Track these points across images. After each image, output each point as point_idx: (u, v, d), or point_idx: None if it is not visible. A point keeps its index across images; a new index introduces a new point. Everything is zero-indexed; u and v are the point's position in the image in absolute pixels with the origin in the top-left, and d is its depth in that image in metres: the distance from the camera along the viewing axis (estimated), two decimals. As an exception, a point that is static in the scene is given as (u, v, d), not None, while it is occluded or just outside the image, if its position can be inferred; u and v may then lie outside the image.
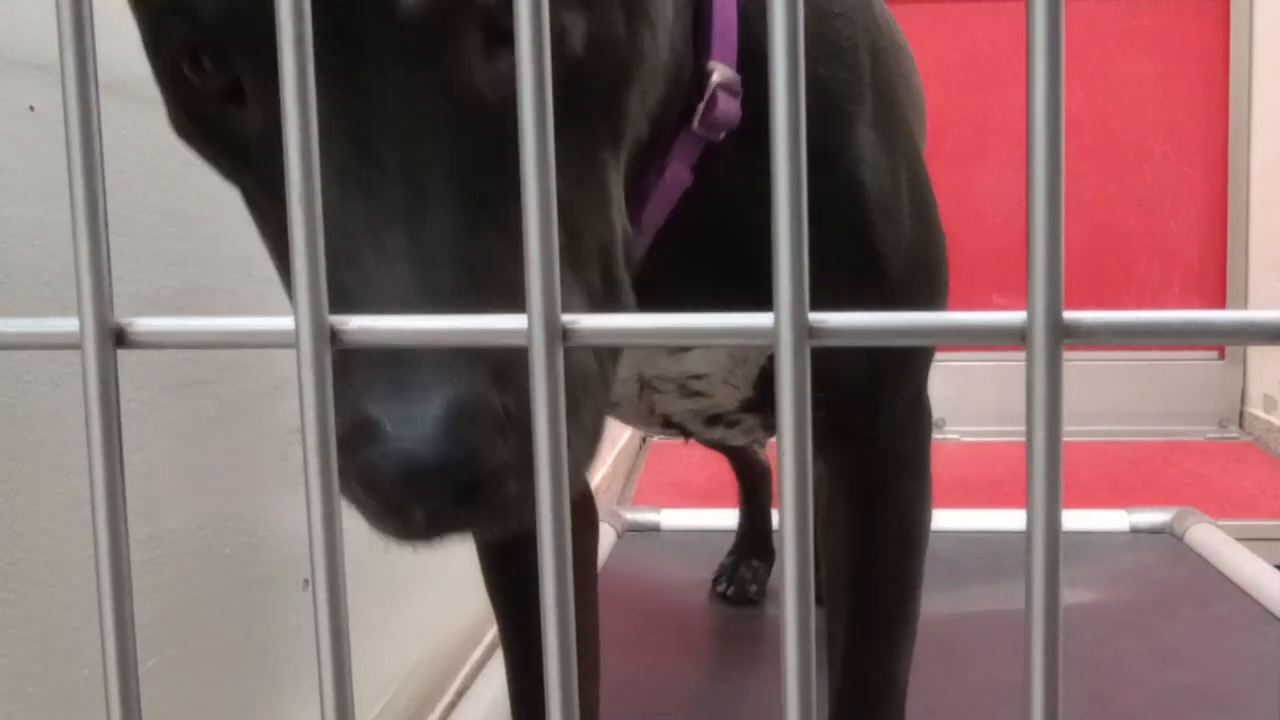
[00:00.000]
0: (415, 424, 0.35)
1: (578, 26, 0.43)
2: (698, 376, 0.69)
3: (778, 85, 0.22)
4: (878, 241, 0.65)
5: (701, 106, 0.57)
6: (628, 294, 0.48)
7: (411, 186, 0.39)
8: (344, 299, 0.37)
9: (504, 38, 0.41)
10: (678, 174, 0.58)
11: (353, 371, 0.36)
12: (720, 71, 0.57)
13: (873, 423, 0.72)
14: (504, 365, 0.36)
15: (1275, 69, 2.78)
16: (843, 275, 0.63)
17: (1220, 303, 2.96)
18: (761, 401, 0.71)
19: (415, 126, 0.39)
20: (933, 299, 0.70)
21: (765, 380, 0.68)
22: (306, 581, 0.97)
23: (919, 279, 0.68)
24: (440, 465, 0.34)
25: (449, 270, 0.38)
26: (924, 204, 0.69)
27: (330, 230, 0.37)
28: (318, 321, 0.25)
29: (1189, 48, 2.95)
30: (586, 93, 0.44)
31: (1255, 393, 2.88)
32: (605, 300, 0.46)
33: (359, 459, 0.35)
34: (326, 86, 0.38)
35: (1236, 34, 2.91)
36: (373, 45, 0.39)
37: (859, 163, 0.64)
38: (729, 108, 0.58)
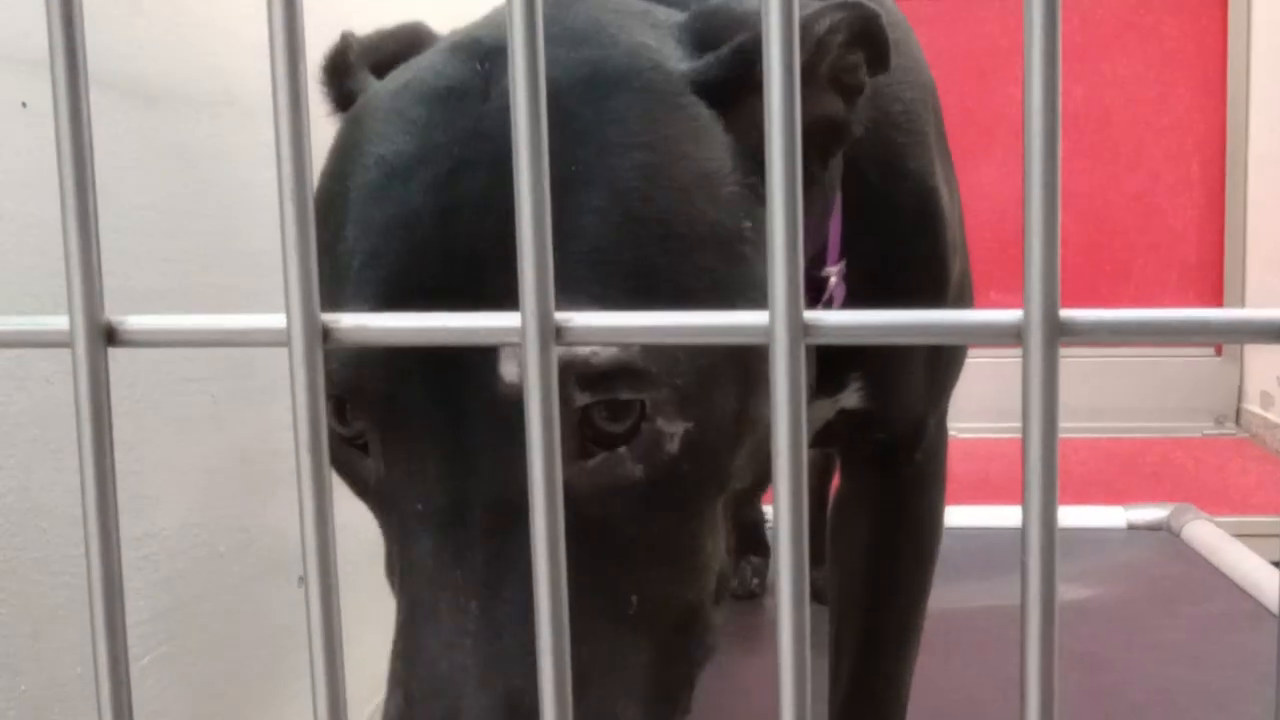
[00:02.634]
0: None
1: (675, 431, 0.44)
2: None
3: (773, 85, 0.22)
4: (945, 264, 0.70)
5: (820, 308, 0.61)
6: (713, 635, 0.51)
7: (494, 555, 0.42)
8: (411, 644, 0.43)
9: (599, 439, 0.43)
10: None
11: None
12: (832, 272, 0.62)
13: (913, 448, 0.76)
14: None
15: (1273, 66, 2.78)
16: (912, 294, 0.68)
17: (1218, 299, 2.96)
18: (818, 438, 0.74)
19: (506, 501, 0.43)
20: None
21: (826, 426, 0.71)
22: (300, 579, 0.97)
23: (964, 295, 0.74)
24: None
25: (508, 641, 0.42)
26: (962, 230, 0.75)
27: (416, 575, 0.43)
28: (310, 319, 0.24)
29: (1186, 44, 2.95)
30: (685, 482, 0.46)
31: (1252, 389, 2.88)
32: (686, 651, 0.49)
33: None
34: (433, 444, 0.43)
35: (1234, 30, 2.91)
36: (475, 418, 0.43)
37: (935, 177, 0.69)
38: (839, 292, 0.63)
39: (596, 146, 0.44)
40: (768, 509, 1.59)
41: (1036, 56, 0.21)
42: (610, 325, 0.24)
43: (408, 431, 0.44)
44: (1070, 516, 1.76)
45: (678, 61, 0.48)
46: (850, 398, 0.69)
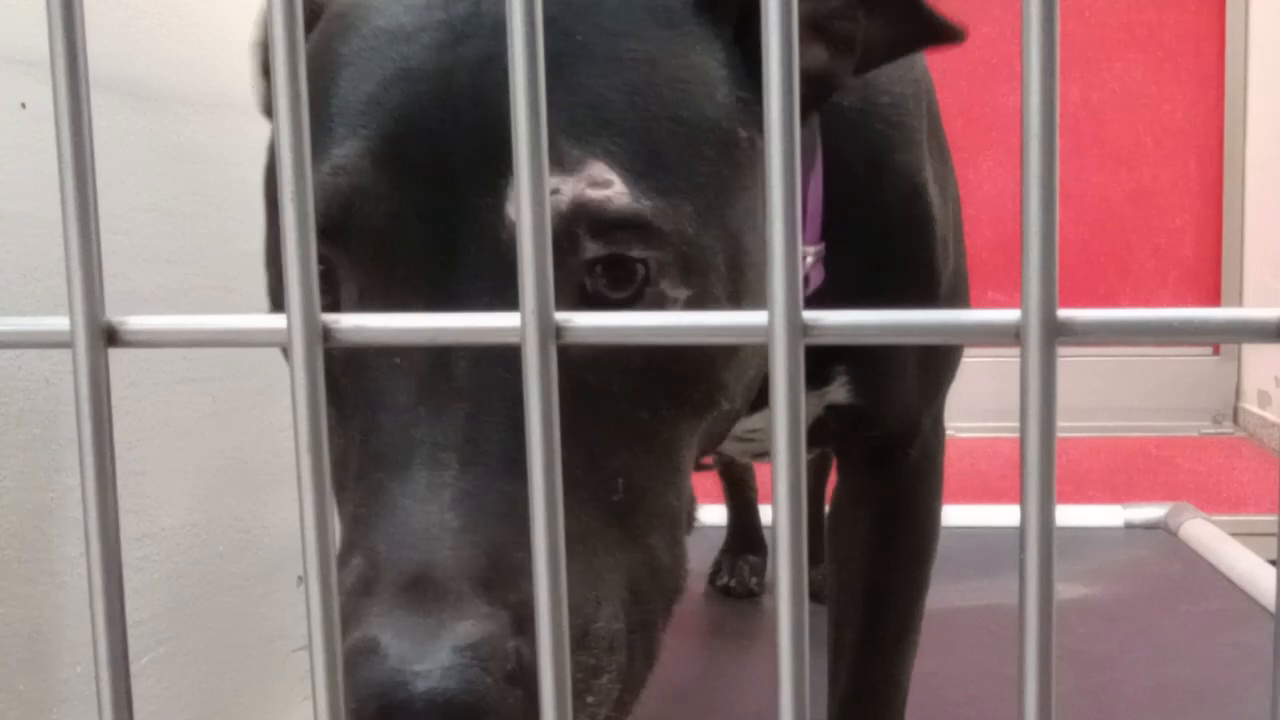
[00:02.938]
0: (425, 659, 0.34)
1: (679, 296, 0.43)
2: (754, 429, 0.72)
3: (772, 83, 0.22)
4: (934, 264, 0.69)
5: None
6: (683, 562, 0.48)
7: (478, 409, 0.40)
8: (375, 506, 0.39)
9: (599, 304, 0.42)
10: None
11: (375, 588, 0.37)
12: (810, 252, 0.61)
13: (908, 445, 0.75)
14: (529, 613, 0.36)
15: (1271, 65, 2.78)
16: (899, 292, 0.67)
17: (1216, 298, 2.97)
18: (812, 438, 0.74)
19: (498, 354, 0.41)
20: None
21: (819, 424, 0.71)
22: (300, 579, 0.97)
23: (958, 295, 0.73)
24: (442, 708, 0.34)
25: (493, 496, 0.38)
26: (959, 231, 0.74)
27: (385, 434, 0.40)
28: (310, 319, 0.24)
29: (1184, 44, 2.95)
30: (676, 367, 0.45)
31: (1249, 388, 2.88)
32: (666, 567, 0.46)
33: (359, 681, 0.35)
34: (423, 290, 0.41)
35: (1232, 30, 2.92)
36: (471, 260, 0.41)
37: (925, 174, 0.68)
38: (816, 275, 0.61)
39: (600, 33, 0.44)
40: (765, 509, 1.59)
41: (1035, 57, 0.21)
42: (611, 325, 0.25)
43: (394, 272, 0.42)
44: (1068, 515, 1.76)
45: None
46: (838, 392, 0.69)
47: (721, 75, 0.47)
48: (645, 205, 0.41)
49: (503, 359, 0.40)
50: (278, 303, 0.46)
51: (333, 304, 0.43)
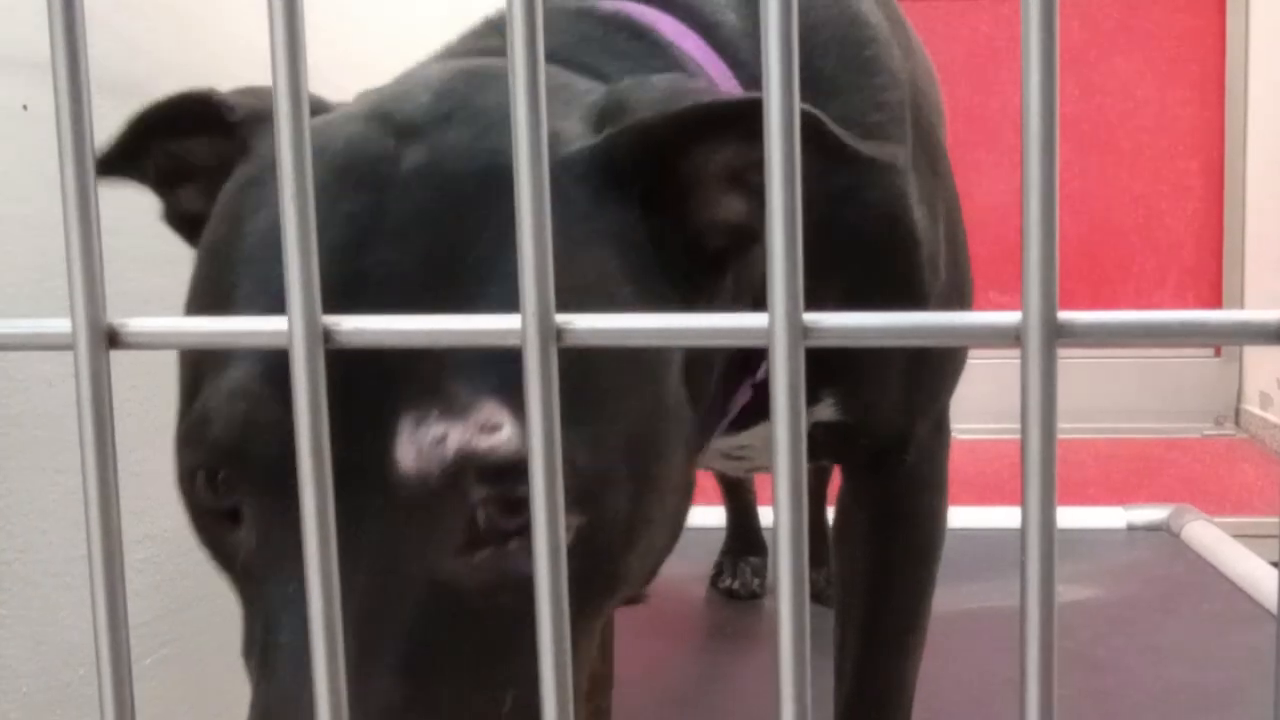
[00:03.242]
0: None
1: (571, 524, 0.42)
2: (743, 445, 0.71)
3: (771, 81, 0.22)
4: (920, 287, 0.67)
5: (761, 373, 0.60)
6: None
7: (368, 646, 0.40)
8: (259, 684, 0.41)
9: (490, 533, 0.41)
10: (740, 398, 0.62)
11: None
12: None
13: (903, 451, 0.75)
14: None
15: (1271, 66, 2.78)
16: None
17: (1216, 300, 2.97)
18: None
19: (386, 589, 0.40)
20: (957, 349, 0.74)
21: (810, 440, 0.71)
22: (302, 580, 0.97)
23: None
24: None
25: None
26: (956, 243, 0.72)
27: (280, 659, 0.40)
28: (310, 321, 0.24)
29: (1185, 45, 2.95)
30: (574, 579, 0.44)
31: (1251, 390, 2.88)
32: None
33: None
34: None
35: (1233, 31, 2.92)
36: (365, 499, 0.40)
37: (907, 200, 0.66)
38: (743, 395, 0.61)
39: (496, 242, 0.42)
40: (766, 510, 1.59)
41: (1034, 58, 0.21)
42: (611, 328, 0.25)
43: (289, 504, 0.41)
44: (1070, 517, 1.76)
45: (584, 145, 0.46)
46: (825, 411, 0.68)
47: (626, 268, 0.46)
48: None
49: (393, 597, 0.40)
50: (194, 510, 0.46)
51: (235, 513, 0.44)
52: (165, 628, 0.78)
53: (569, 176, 0.45)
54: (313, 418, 0.25)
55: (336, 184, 0.44)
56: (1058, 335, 0.22)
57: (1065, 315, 0.22)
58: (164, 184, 0.55)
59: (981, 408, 2.79)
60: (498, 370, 0.40)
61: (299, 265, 0.24)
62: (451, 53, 0.60)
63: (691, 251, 0.48)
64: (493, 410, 0.40)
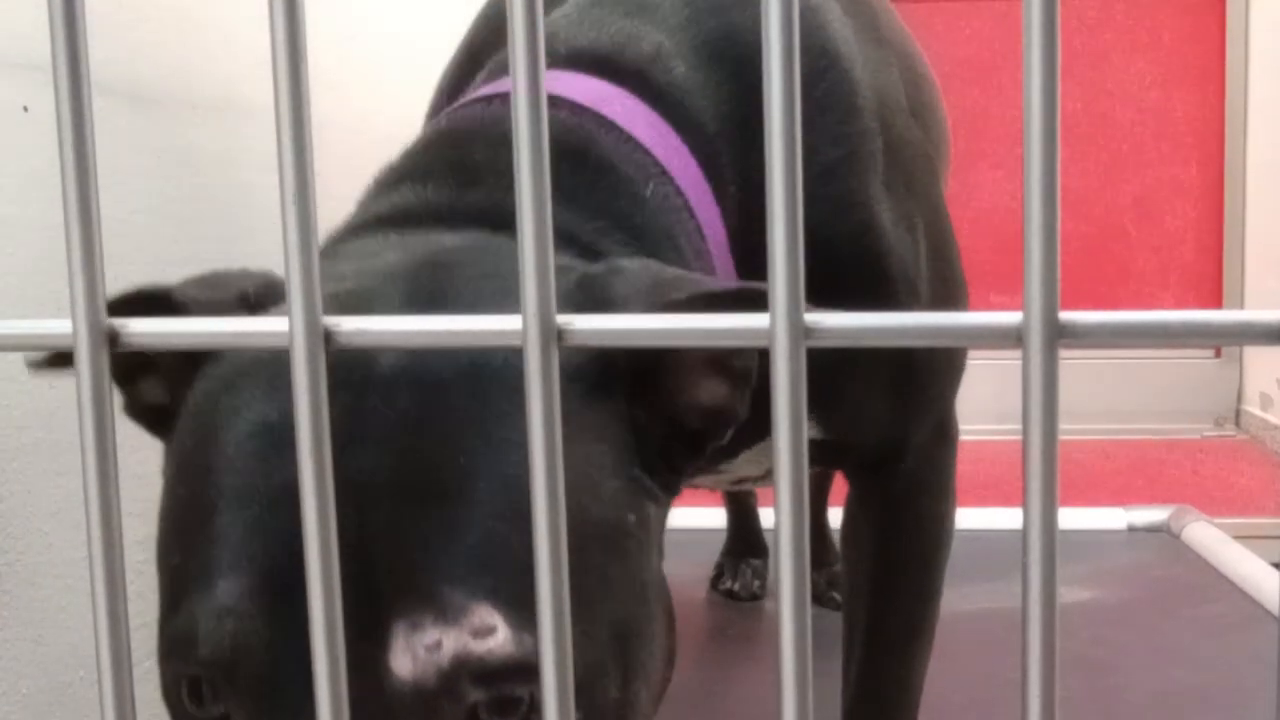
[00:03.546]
0: None
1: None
2: (737, 474, 0.72)
3: (772, 83, 0.22)
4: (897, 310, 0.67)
5: None
6: None
7: None
8: None
9: None
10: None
11: None
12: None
13: (900, 457, 0.74)
14: None
15: (1271, 67, 2.78)
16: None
17: (1217, 301, 2.96)
18: None
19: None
20: (950, 355, 0.72)
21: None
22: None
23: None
24: None
25: None
26: (942, 257, 0.71)
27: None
28: (311, 322, 0.24)
29: (1185, 46, 2.95)
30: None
31: (1252, 391, 2.88)
32: None
33: None
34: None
35: (1233, 32, 2.92)
36: (359, 707, 0.39)
37: (877, 229, 0.65)
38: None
39: (481, 442, 0.42)
40: (766, 511, 1.59)
41: (1036, 59, 0.21)
42: (612, 328, 0.25)
43: (280, 716, 0.41)
44: (1070, 518, 1.76)
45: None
46: (810, 430, 0.68)
47: (612, 460, 0.46)
48: (529, 643, 0.40)
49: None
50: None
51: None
52: (166, 629, 0.78)
53: (563, 378, 0.45)
54: (313, 418, 0.25)
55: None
56: (1059, 336, 0.22)
57: (1067, 316, 0.22)
58: (123, 377, 0.53)
59: (982, 409, 2.79)
60: (490, 572, 0.40)
61: (299, 265, 0.24)
62: (380, 220, 0.57)
63: (671, 433, 0.49)
64: (486, 614, 0.40)
